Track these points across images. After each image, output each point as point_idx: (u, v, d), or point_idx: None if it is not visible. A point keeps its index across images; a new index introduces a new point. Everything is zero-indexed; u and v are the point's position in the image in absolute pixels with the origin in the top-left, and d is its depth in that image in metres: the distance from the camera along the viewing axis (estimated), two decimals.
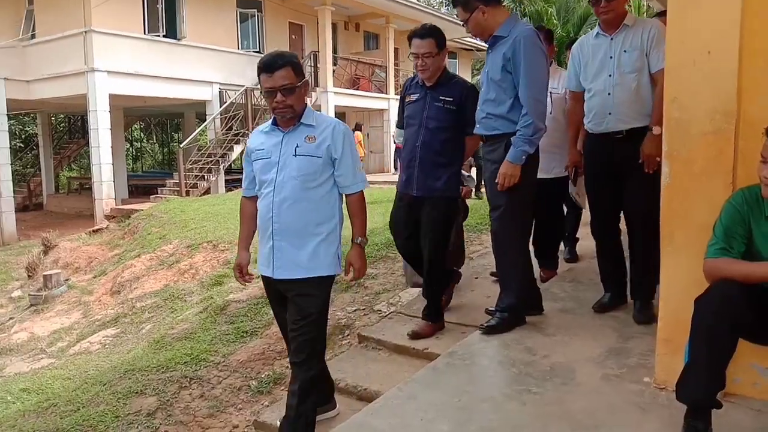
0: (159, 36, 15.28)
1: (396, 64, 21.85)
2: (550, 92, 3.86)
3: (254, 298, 5.42)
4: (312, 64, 18.93)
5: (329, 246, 2.64)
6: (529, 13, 24.60)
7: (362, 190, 2.71)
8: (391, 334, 3.66)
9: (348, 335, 4.40)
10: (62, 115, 23.53)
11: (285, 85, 2.52)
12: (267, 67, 2.52)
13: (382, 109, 20.71)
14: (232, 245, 7.60)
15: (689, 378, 2.00)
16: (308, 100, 15.63)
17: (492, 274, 4.45)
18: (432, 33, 3.38)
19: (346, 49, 21.16)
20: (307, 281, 2.59)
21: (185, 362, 4.35)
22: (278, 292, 2.72)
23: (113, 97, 14.31)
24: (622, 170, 3.27)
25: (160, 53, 15.20)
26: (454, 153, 3.48)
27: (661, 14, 4.16)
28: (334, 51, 19.31)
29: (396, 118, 3.96)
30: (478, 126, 3.30)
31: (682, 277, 2.33)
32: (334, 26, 19.64)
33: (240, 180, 13.80)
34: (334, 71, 18.65)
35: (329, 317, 4.24)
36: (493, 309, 3.34)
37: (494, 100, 3.18)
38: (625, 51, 3.24)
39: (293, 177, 2.56)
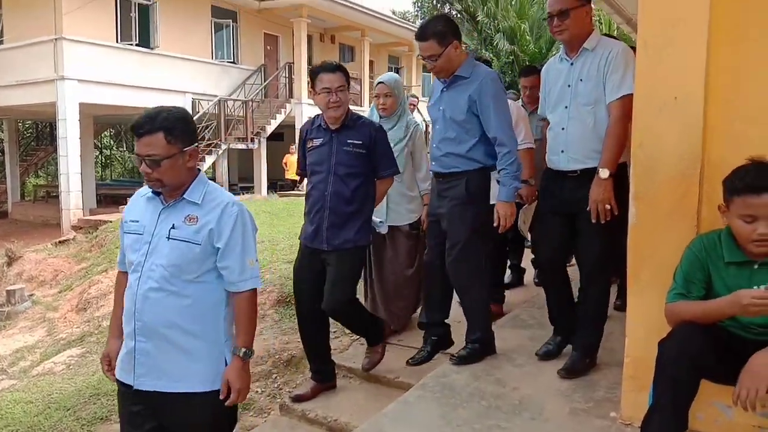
0: (132, 45, 15.12)
1: (371, 77, 21.90)
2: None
3: None
4: (287, 75, 18.91)
5: (208, 356, 2.08)
6: (502, 29, 25.00)
7: (253, 289, 2.14)
8: (362, 362, 3.64)
9: None
10: (30, 121, 23.06)
11: (150, 156, 2.02)
12: (135, 128, 2.03)
13: None
14: None
15: (653, 420, 2.03)
16: (283, 112, 15.37)
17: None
18: (341, 68, 3.23)
19: (321, 61, 21.15)
20: (180, 398, 2.05)
21: None
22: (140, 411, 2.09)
23: (83, 106, 14.09)
24: (573, 212, 2.97)
25: (133, 62, 15.03)
26: (365, 200, 3.24)
27: None
28: (309, 63, 19.29)
29: None
30: (434, 163, 3.24)
31: (647, 316, 2.37)
32: (310, 38, 19.66)
33: None
34: (308, 83, 18.60)
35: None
36: (456, 356, 3.21)
37: (454, 139, 3.11)
38: (581, 80, 2.92)
39: (162, 265, 2.03)
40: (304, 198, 3.41)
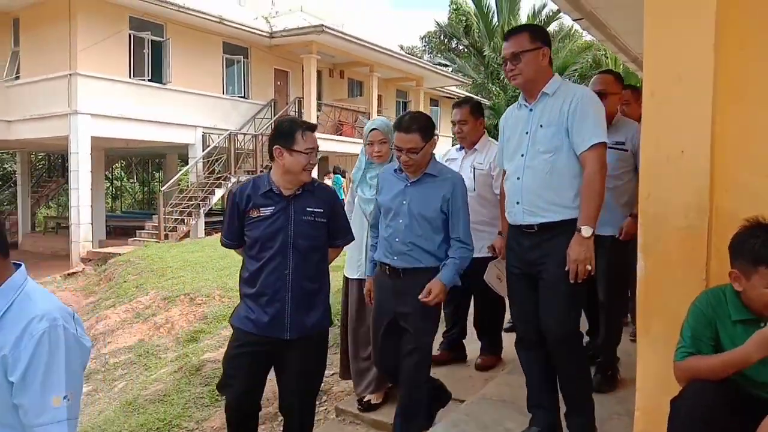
0: (144, 80, 15.37)
1: (379, 111, 22.14)
2: (474, 167, 3.83)
3: None
4: (296, 110, 19.13)
5: None
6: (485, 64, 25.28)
7: None
8: None
9: (325, 401, 4.33)
10: (42, 153, 23.36)
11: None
12: None
13: None
14: (210, 298, 7.52)
15: None
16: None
17: None
18: (315, 127, 2.94)
19: (331, 96, 21.44)
20: None
21: (157, 428, 4.25)
22: None
23: (96, 139, 14.29)
24: (534, 273, 2.74)
25: (145, 97, 15.27)
26: (324, 274, 2.94)
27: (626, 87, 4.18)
28: (319, 97, 19.56)
29: None
30: (395, 258, 2.94)
31: (658, 369, 2.33)
32: (319, 73, 19.93)
33: (220, 222, 13.80)
34: (318, 117, 18.84)
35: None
36: None
37: (421, 235, 2.90)
38: (541, 126, 2.73)
39: None
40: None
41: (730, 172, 2.27)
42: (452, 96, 25.93)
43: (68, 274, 12.30)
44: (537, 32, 2.78)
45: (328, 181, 16.70)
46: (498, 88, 26.10)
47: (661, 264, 2.34)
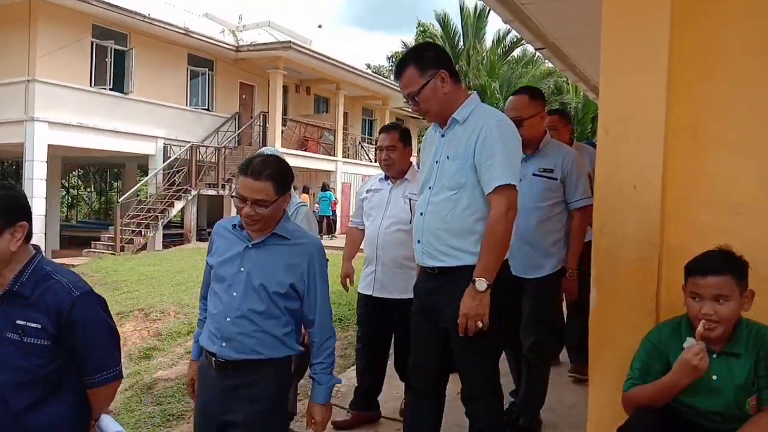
0: (106, 89, 15.10)
1: (345, 129, 22.20)
2: (409, 198, 3.27)
3: (183, 376, 5.22)
4: (261, 124, 19.04)
5: None
6: (474, 87, 25.67)
7: None
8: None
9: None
10: None
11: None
12: None
13: (329, 171, 20.92)
14: (164, 314, 7.36)
15: None
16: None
17: None
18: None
19: (296, 111, 21.42)
20: None
21: None
22: None
23: (53, 147, 13.94)
24: (434, 321, 2.44)
25: (106, 106, 15.00)
26: None
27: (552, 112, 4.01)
28: (284, 112, 19.52)
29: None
30: (224, 344, 2.09)
31: (608, 400, 2.37)
32: (285, 88, 19.91)
33: (179, 235, 13.47)
34: (283, 132, 18.79)
35: None
36: None
37: (262, 313, 2.10)
38: (448, 157, 2.40)
39: None
40: None
41: (680, 207, 2.34)
42: (418, 116, 26.11)
43: None
44: (423, 59, 2.38)
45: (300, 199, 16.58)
46: None
47: (612, 295, 2.39)
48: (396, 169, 3.40)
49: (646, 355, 2.10)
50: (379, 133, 3.60)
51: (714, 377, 1.97)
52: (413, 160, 3.60)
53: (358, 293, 3.54)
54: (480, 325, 2.23)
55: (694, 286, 1.99)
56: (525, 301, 3.10)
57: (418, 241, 2.45)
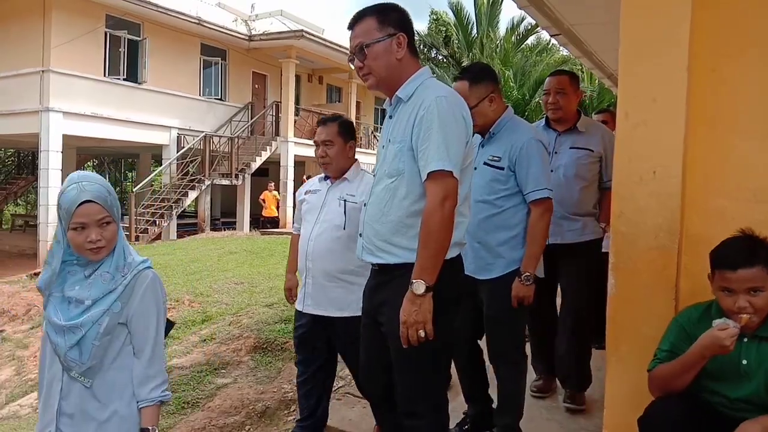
0: (119, 79, 15.16)
1: (357, 118, 22.15)
2: (344, 200, 2.92)
3: (198, 365, 5.25)
4: (273, 114, 19.04)
5: None
6: None
7: None
8: (337, 419, 3.56)
9: (294, 411, 4.28)
10: (12, 150, 22.87)
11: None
12: None
13: None
14: (179, 303, 7.41)
15: None
16: (269, 149, 15.51)
17: None
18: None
19: (309, 101, 21.39)
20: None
21: None
22: None
23: (67, 137, 14.04)
24: (377, 321, 2.25)
25: (120, 96, 15.06)
26: None
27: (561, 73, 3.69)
28: (297, 102, 19.49)
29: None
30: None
31: (626, 387, 2.35)
32: (298, 78, 19.88)
33: (193, 224, 13.55)
34: (295, 121, 18.78)
35: (276, 389, 4.08)
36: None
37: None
38: (389, 141, 2.19)
39: None
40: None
41: (700, 194, 2.30)
42: None
43: (34, 274, 11.99)
44: (387, 15, 2.16)
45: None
46: None
47: (631, 283, 2.36)
48: (334, 168, 2.96)
49: (674, 337, 2.06)
50: (317, 126, 3.07)
51: (744, 361, 1.94)
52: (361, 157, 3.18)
53: (296, 309, 3.10)
54: (422, 334, 1.98)
55: (725, 280, 1.94)
56: (484, 303, 2.86)
57: (360, 235, 2.27)
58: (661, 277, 2.32)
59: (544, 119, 3.56)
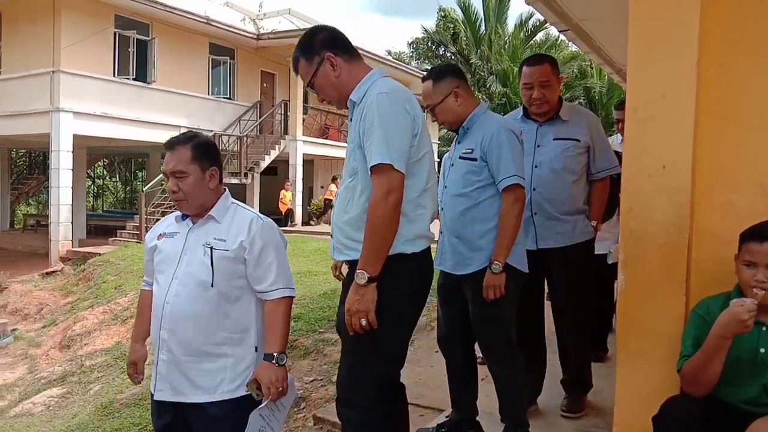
0: (128, 79, 15.24)
1: None
2: (212, 247, 2.37)
3: None
4: (282, 113, 19.08)
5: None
6: (495, 72, 25.44)
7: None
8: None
9: (303, 409, 4.29)
10: (23, 150, 23.05)
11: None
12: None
13: None
14: None
15: None
16: (278, 148, 15.57)
17: None
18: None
19: (317, 99, 21.39)
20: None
21: None
22: None
23: (78, 137, 14.14)
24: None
25: (129, 96, 15.14)
26: None
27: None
28: (305, 100, 19.51)
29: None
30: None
31: (636, 384, 2.34)
32: None
33: None
34: (304, 120, 18.81)
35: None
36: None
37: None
38: (349, 143, 2.28)
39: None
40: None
41: (710, 189, 2.28)
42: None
43: (46, 273, 12.12)
44: (310, 45, 2.26)
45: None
46: (484, 96, 26.24)
47: (640, 280, 2.34)
48: (191, 206, 2.22)
49: (696, 329, 2.04)
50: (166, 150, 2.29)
51: (762, 350, 1.92)
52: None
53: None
54: (365, 323, 2.04)
55: (750, 253, 1.95)
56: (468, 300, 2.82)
57: (331, 235, 2.32)
58: (671, 273, 2.30)
59: (522, 109, 3.24)
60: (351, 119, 2.24)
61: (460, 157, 2.79)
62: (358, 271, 2.04)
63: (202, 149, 2.24)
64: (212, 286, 2.15)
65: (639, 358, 2.33)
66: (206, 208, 2.24)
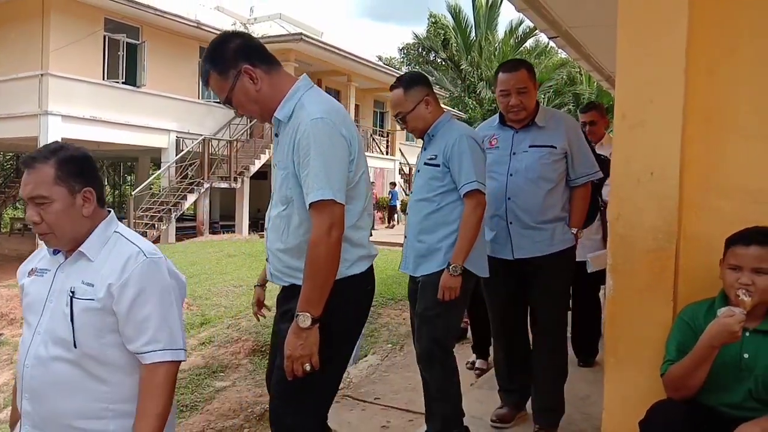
0: (118, 82, 15.17)
1: (356, 120, 22.16)
2: (72, 294, 1.98)
3: (196, 368, 5.23)
4: None
5: None
6: (485, 78, 25.55)
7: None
8: (336, 422, 3.55)
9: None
10: (11, 153, 22.87)
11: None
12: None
13: None
14: None
15: None
16: (267, 152, 15.48)
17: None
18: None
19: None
20: None
21: None
22: None
23: (66, 141, 13.99)
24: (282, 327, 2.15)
25: (118, 100, 15.07)
26: None
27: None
28: None
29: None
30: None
31: (624, 390, 2.34)
32: None
33: (191, 228, 13.51)
34: None
35: None
36: None
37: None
38: (276, 164, 2.11)
39: None
40: None
41: (698, 195, 2.29)
42: None
43: None
44: (222, 58, 2.00)
45: None
46: (474, 102, 26.36)
47: (629, 285, 2.35)
48: (59, 240, 1.71)
49: (680, 335, 2.06)
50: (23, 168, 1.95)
51: (745, 355, 1.94)
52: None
53: None
54: (308, 368, 1.91)
55: (735, 257, 1.97)
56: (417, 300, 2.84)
57: (267, 259, 2.18)
58: (659, 279, 2.31)
59: (498, 116, 3.19)
60: (276, 135, 2.08)
61: (425, 164, 2.88)
62: (299, 313, 1.87)
63: (70, 165, 1.69)
64: (75, 347, 1.64)
65: (627, 363, 2.34)
66: (77, 241, 1.71)
